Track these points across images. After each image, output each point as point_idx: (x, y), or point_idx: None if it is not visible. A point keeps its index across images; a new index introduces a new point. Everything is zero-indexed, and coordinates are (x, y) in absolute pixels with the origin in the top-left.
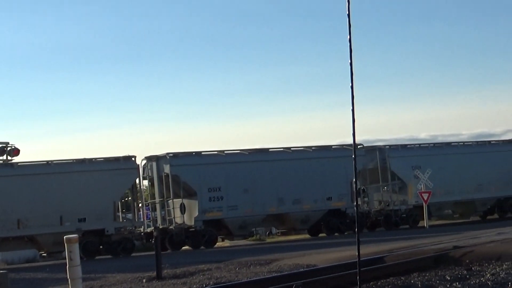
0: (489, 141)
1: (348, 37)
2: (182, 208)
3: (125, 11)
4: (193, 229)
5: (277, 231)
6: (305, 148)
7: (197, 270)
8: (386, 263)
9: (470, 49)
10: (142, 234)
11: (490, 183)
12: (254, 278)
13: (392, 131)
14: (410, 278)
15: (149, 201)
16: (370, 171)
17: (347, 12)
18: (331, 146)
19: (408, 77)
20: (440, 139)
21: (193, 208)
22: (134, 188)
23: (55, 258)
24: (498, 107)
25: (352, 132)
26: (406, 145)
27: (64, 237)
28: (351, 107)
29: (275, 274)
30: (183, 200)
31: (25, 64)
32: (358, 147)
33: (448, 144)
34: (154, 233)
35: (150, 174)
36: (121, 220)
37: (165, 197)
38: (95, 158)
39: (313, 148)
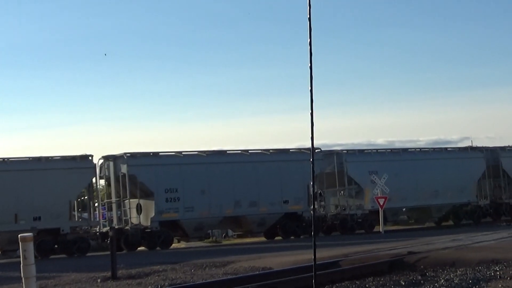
0: (446, 148)
1: (309, 40)
2: (139, 209)
3: (80, 9)
4: (149, 230)
5: (233, 233)
6: (262, 151)
7: (152, 271)
8: (341, 267)
9: (428, 56)
10: (98, 233)
11: (445, 189)
12: (209, 280)
13: (350, 136)
14: (365, 282)
15: (105, 201)
16: (327, 175)
17: (308, 16)
18: (288, 149)
19: (366, 82)
20: (397, 145)
21: (150, 208)
22: (90, 188)
23: (9, 256)
24: (455, 114)
25: (310, 136)
26: (363, 150)
27: (19, 235)
28: (310, 111)
29: (231, 277)
30: (140, 200)
31: None
32: (316, 151)
33: (405, 150)
34: (110, 233)
35: (107, 174)
36: (76, 220)
37: (121, 197)
38: (52, 157)
39: (270, 151)
